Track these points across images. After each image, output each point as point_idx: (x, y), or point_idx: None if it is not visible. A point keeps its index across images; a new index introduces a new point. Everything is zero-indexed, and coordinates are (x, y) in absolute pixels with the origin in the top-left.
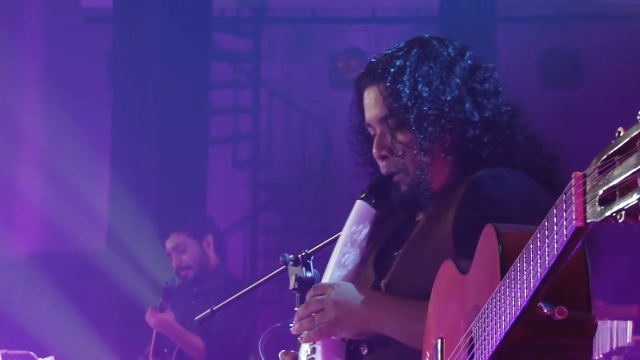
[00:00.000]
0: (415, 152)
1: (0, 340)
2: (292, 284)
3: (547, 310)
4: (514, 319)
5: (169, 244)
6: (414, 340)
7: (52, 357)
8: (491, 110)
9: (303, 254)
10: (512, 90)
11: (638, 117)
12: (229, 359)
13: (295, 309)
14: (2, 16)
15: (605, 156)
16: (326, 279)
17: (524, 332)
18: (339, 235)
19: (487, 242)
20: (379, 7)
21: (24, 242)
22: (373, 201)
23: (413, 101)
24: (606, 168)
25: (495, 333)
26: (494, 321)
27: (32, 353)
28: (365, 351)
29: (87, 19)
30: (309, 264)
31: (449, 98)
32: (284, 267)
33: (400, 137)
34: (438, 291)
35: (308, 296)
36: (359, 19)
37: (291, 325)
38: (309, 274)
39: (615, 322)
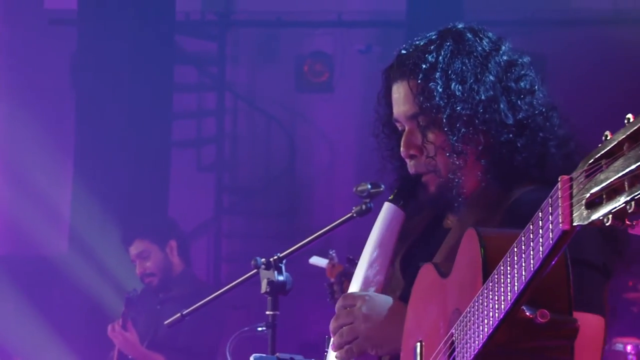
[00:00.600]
0: (448, 154)
1: None
2: (264, 287)
3: (530, 313)
4: (497, 322)
5: (133, 250)
6: None
7: None
8: (525, 112)
9: (275, 257)
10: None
11: (625, 121)
12: None
13: (267, 312)
14: None
15: (592, 160)
16: (356, 286)
17: (506, 334)
18: (310, 240)
19: (469, 246)
20: (345, 11)
21: None
22: (401, 203)
23: (446, 100)
24: (593, 171)
25: (478, 336)
26: (476, 324)
27: None
28: None
29: (51, 20)
30: (281, 267)
31: (483, 98)
32: (255, 270)
33: (431, 137)
34: (417, 294)
35: (337, 306)
36: (325, 22)
37: (259, 328)
38: (280, 278)
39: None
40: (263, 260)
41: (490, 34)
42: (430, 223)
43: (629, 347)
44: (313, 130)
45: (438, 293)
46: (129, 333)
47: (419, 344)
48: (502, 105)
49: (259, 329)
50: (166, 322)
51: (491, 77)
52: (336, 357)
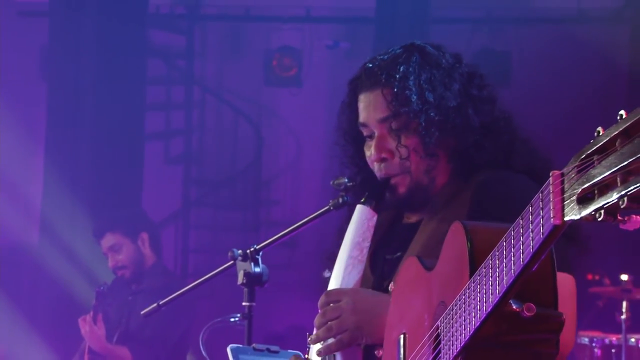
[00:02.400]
0: (421, 156)
1: None
2: (241, 279)
3: (516, 307)
4: (484, 315)
5: (105, 243)
6: None
7: None
8: (489, 116)
9: (252, 249)
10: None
11: (618, 118)
12: None
13: (243, 303)
14: None
15: (583, 155)
16: (335, 285)
17: (493, 328)
18: (286, 232)
19: (455, 240)
20: (313, 6)
21: None
22: (374, 204)
23: (421, 106)
24: (584, 167)
25: (465, 329)
26: (463, 317)
27: None
28: (381, 353)
29: (20, 12)
30: (258, 259)
31: (453, 104)
32: (232, 262)
33: (405, 140)
34: (400, 287)
35: (321, 303)
36: (293, 17)
37: (232, 319)
38: (257, 270)
39: None
40: (240, 251)
41: (443, 47)
42: (391, 221)
43: (594, 341)
44: (280, 124)
45: (423, 286)
46: (97, 327)
47: (402, 336)
48: (469, 111)
49: (232, 319)
50: (143, 312)
51: (457, 86)
52: (320, 351)
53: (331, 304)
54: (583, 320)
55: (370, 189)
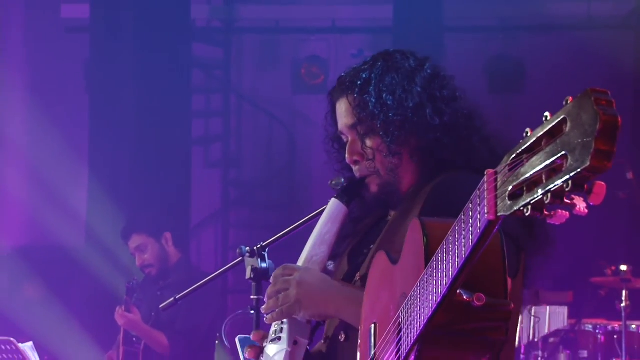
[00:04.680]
0: (384, 155)
1: None
2: (249, 274)
3: (467, 297)
4: (435, 305)
5: (132, 244)
6: None
7: (31, 342)
8: (450, 115)
9: (259, 246)
10: (461, 93)
11: (543, 119)
12: (193, 351)
13: (252, 297)
14: None
15: (514, 154)
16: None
17: (445, 316)
18: (291, 229)
19: (414, 235)
20: (339, 18)
21: (10, 236)
22: (345, 200)
23: (379, 109)
24: (515, 165)
25: (420, 318)
26: (419, 307)
27: (12, 339)
28: (343, 338)
29: (66, 28)
30: (264, 255)
31: (411, 105)
32: (241, 258)
33: (369, 142)
34: (372, 280)
35: (275, 275)
36: (320, 29)
37: (252, 312)
38: (264, 265)
39: (552, 307)
40: (247, 248)
41: (417, 55)
42: (376, 221)
43: (598, 328)
44: (311, 129)
45: (388, 278)
46: (132, 314)
47: (373, 325)
48: (428, 111)
49: (252, 312)
50: (161, 306)
51: (418, 88)
52: (266, 318)
53: (285, 277)
54: (587, 308)
55: (346, 186)
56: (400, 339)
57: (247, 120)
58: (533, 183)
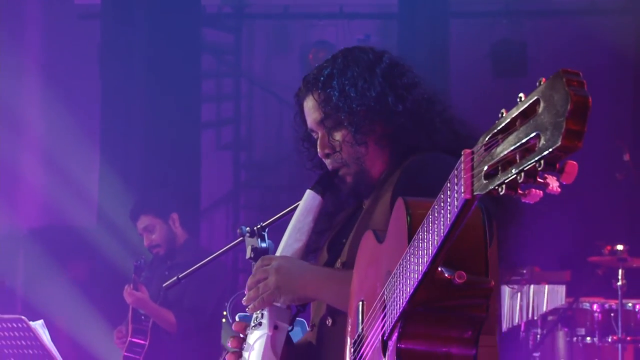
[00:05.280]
0: (350, 145)
1: None
2: (249, 253)
3: (448, 275)
4: (416, 283)
5: (139, 225)
6: (346, 305)
7: (42, 320)
8: (411, 101)
9: (258, 226)
10: (466, 78)
11: (518, 100)
12: (200, 328)
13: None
14: (4, 13)
15: (490, 135)
16: (277, 253)
17: (427, 294)
18: (289, 210)
19: (398, 214)
20: (346, 3)
21: (26, 218)
22: (320, 190)
23: (343, 101)
24: (491, 145)
25: (402, 295)
26: (401, 284)
27: (23, 317)
28: (330, 322)
29: (80, 15)
30: (264, 235)
31: (374, 94)
32: (241, 238)
33: (336, 135)
34: (360, 259)
35: (256, 266)
36: (328, 14)
37: None
38: (263, 245)
39: (550, 286)
40: (247, 228)
41: (375, 49)
42: (352, 212)
43: (595, 306)
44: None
45: (375, 257)
46: (140, 292)
47: (360, 303)
48: (390, 98)
49: None
50: (165, 285)
51: (379, 78)
52: (248, 309)
53: (264, 267)
54: (584, 287)
55: (321, 177)
56: (384, 316)
57: (257, 103)
58: (507, 163)
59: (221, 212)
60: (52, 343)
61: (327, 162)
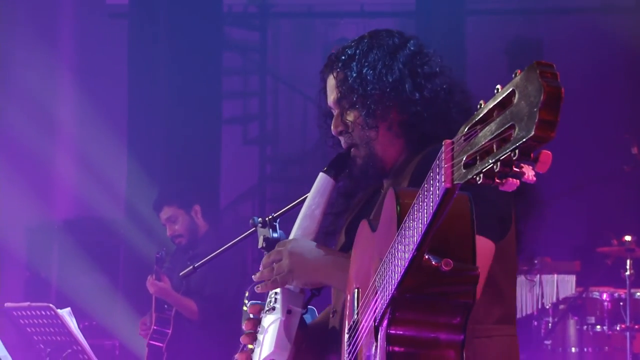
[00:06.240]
0: (361, 127)
1: (29, 294)
2: (261, 243)
3: (435, 262)
4: (403, 270)
5: (163, 215)
6: None
7: (69, 308)
8: (430, 90)
9: (270, 217)
10: (483, 74)
11: (495, 91)
12: (221, 316)
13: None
14: (38, 15)
15: (470, 125)
16: (292, 236)
17: (416, 281)
18: (299, 201)
19: (389, 203)
20: (367, 2)
21: (60, 210)
22: (333, 173)
23: (358, 83)
24: (470, 136)
25: (391, 282)
26: (390, 271)
27: (51, 305)
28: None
29: (112, 14)
30: (275, 225)
31: (390, 80)
32: (254, 229)
33: (349, 115)
34: (356, 247)
35: (275, 249)
36: (350, 13)
37: None
38: (275, 235)
39: (561, 275)
40: (260, 219)
41: (403, 33)
42: (371, 194)
43: (604, 295)
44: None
45: (369, 245)
46: (163, 282)
47: (356, 290)
48: (407, 86)
49: None
50: (181, 274)
51: (399, 64)
52: (257, 288)
53: (280, 249)
54: (594, 277)
55: (333, 160)
56: (376, 302)
57: (282, 99)
58: (485, 152)
59: (247, 205)
60: (78, 330)
61: (342, 140)
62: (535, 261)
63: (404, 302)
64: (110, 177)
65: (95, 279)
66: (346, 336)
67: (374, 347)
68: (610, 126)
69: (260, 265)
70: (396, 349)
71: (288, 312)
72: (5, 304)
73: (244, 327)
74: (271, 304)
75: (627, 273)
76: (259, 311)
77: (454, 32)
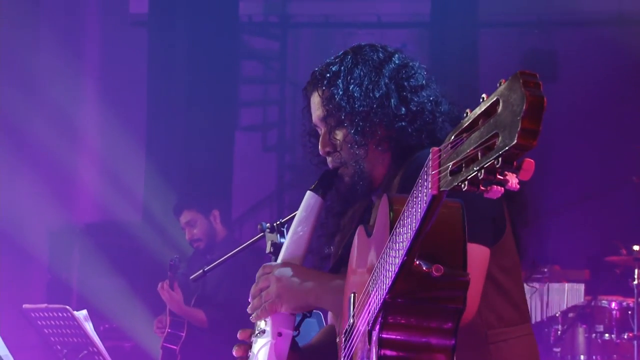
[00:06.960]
0: (350, 146)
1: (51, 295)
2: (269, 248)
3: (426, 268)
4: (394, 275)
5: (182, 219)
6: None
7: (85, 311)
8: (417, 103)
9: (278, 222)
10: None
11: (481, 100)
12: (233, 322)
13: None
14: (63, 24)
15: (456, 133)
16: (280, 259)
17: (407, 286)
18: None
19: (383, 210)
20: (383, 14)
21: (82, 214)
22: (320, 192)
23: (345, 100)
24: (456, 144)
25: (383, 287)
26: (383, 276)
27: (68, 307)
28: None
29: (133, 22)
30: (283, 231)
31: (377, 95)
32: (262, 234)
33: (337, 134)
34: (353, 253)
35: (257, 275)
36: (367, 24)
37: None
38: (282, 240)
39: (570, 284)
40: (267, 224)
41: (387, 47)
42: (362, 213)
43: (613, 304)
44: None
45: (365, 250)
46: (175, 292)
47: (352, 295)
48: (392, 101)
49: None
50: (191, 277)
51: (385, 79)
52: (252, 317)
53: (265, 275)
54: (602, 285)
55: (320, 178)
56: (369, 306)
57: (301, 108)
58: (470, 160)
59: (266, 212)
60: (94, 332)
61: (328, 160)
62: (545, 269)
63: (396, 307)
64: (129, 182)
65: (114, 281)
66: (342, 339)
67: (367, 351)
68: (620, 137)
69: (249, 296)
70: (388, 352)
71: (279, 335)
72: (24, 305)
73: (234, 353)
74: (261, 326)
75: (636, 282)
76: (249, 336)
77: (468, 44)
